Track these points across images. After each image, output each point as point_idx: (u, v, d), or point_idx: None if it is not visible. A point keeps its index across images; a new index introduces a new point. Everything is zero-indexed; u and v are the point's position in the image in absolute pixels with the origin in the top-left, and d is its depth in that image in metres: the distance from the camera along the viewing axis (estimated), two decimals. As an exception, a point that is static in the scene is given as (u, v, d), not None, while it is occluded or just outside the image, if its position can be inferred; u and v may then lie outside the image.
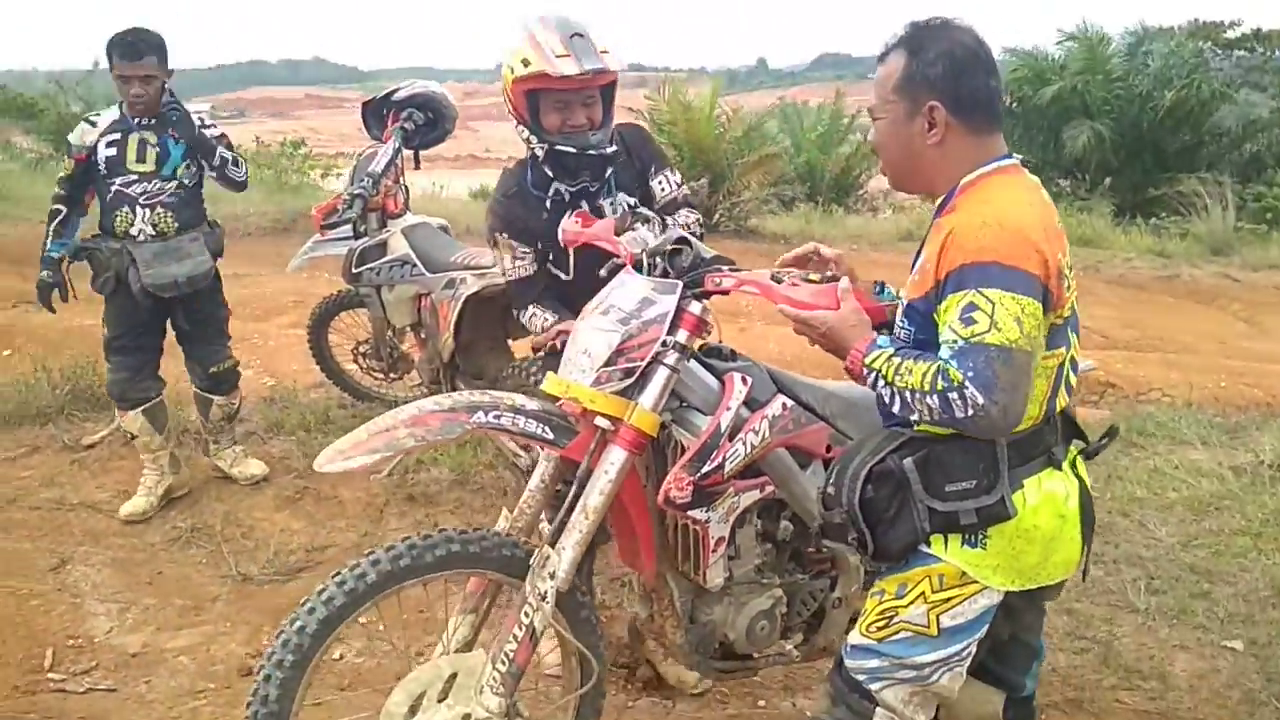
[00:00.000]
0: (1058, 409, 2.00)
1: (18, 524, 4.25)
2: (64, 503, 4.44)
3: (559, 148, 3.01)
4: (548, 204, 3.12)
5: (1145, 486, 4.79)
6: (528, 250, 3.15)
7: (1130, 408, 6.74)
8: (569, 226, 2.77)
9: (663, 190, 3.27)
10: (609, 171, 3.14)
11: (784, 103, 18.69)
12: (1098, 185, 17.12)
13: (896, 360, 1.92)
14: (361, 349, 5.36)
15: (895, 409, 1.93)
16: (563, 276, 3.15)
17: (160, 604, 3.68)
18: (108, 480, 4.66)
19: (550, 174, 3.11)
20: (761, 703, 3.21)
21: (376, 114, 5.01)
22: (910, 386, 1.87)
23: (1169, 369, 8.13)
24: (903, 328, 2.02)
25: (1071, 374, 2.03)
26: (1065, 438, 2.04)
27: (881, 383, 1.94)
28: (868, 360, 1.98)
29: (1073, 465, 2.06)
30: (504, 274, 3.20)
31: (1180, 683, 3.32)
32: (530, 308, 3.10)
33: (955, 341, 1.81)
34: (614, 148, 3.09)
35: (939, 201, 2.01)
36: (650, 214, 2.76)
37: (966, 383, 1.77)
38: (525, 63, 2.93)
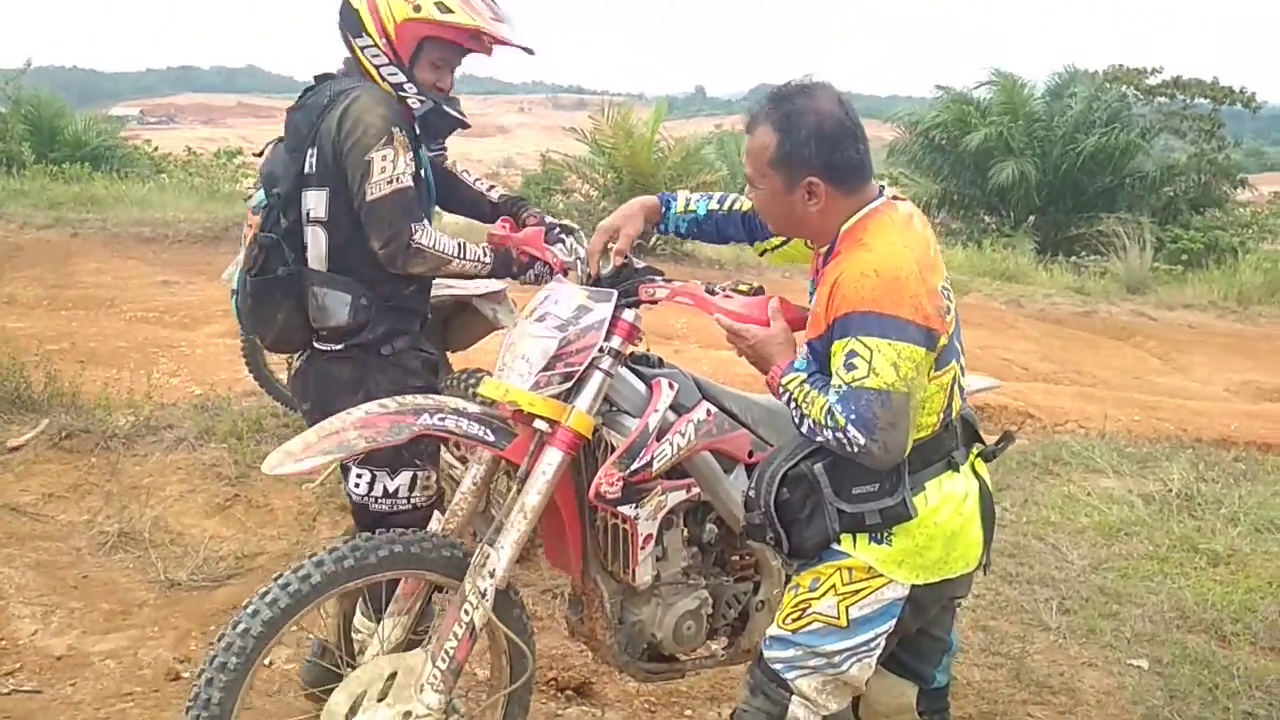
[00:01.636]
0: (954, 415, 2.17)
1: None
2: (-13, 505, 4.37)
3: (446, 109, 2.82)
4: None
5: (1059, 511, 4.98)
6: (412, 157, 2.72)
7: (1047, 437, 6.95)
8: (496, 230, 2.85)
9: (466, 173, 3.27)
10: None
11: (721, 130, 18.94)
12: (1021, 222, 17.66)
13: (806, 388, 2.09)
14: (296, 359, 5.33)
15: (803, 430, 2.10)
16: None
17: (86, 608, 3.64)
18: (33, 483, 4.58)
19: (417, 129, 2.80)
20: (689, 712, 3.29)
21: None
22: (812, 416, 2.05)
23: (1085, 401, 8.41)
24: (807, 363, 2.17)
25: (959, 385, 2.18)
26: (965, 441, 2.22)
27: (792, 404, 2.11)
28: (784, 381, 2.15)
29: (972, 467, 2.23)
30: (394, 180, 2.58)
31: (1089, 698, 3.47)
32: (423, 223, 2.68)
33: (840, 386, 2.00)
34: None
35: (824, 250, 2.17)
36: (573, 226, 2.85)
37: (848, 425, 1.97)
38: (444, 7, 2.62)
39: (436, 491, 2.83)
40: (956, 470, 2.16)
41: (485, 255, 2.76)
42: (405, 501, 2.74)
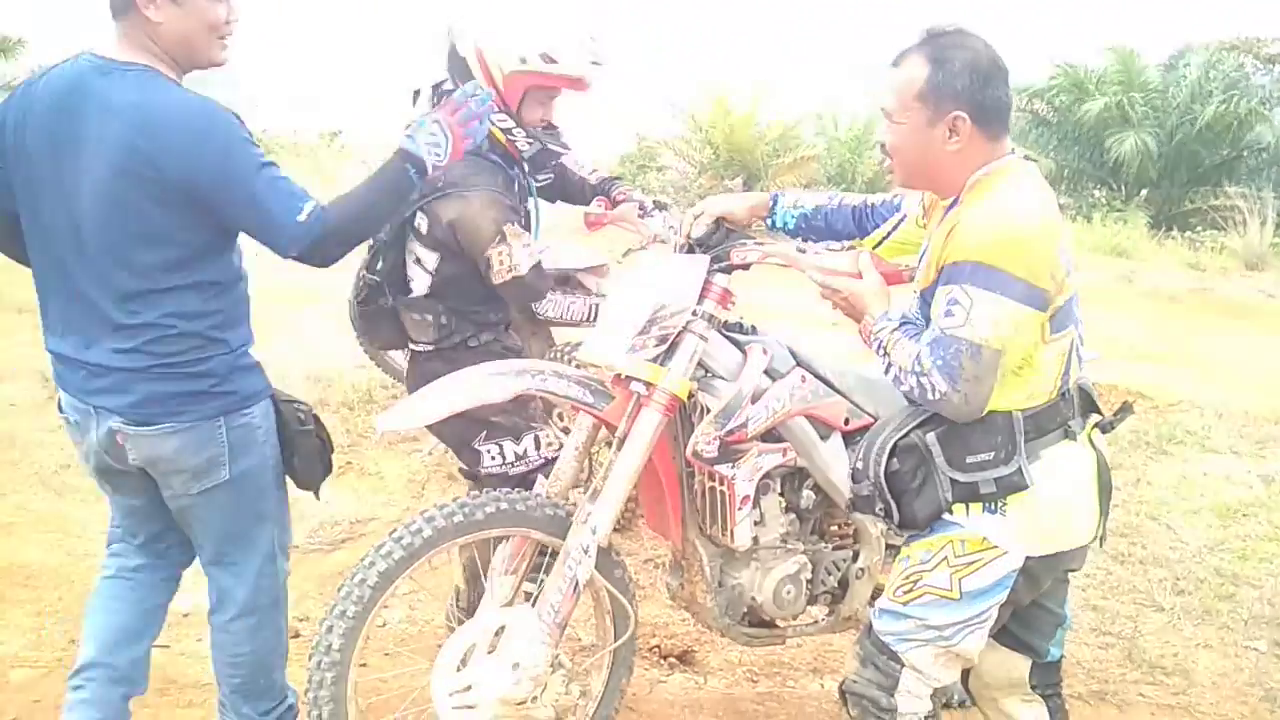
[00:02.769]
0: (1072, 384, 2.12)
1: (72, 488, 4.37)
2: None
3: (551, 146, 2.99)
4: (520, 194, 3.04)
5: (1174, 491, 4.85)
6: (530, 235, 2.95)
7: (1161, 417, 6.76)
8: (592, 209, 2.99)
9: (578, 164, 3.37)
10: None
11: (819, 107, 18.72)
12: (1134, 196, 17.09)
13: (896, 335, 2.10)
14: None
15: (889, 376, 2.11)
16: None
17: (209, 568, 3.80)
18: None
19: (526, 168, 2.99)
20: (791, 683, 3.31)
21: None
22: (899, 363, 2.06)
23: (1200, 381, 8.13)
24: (905, 315, 2.19)
25: (1077, 353, 2.14)
26: (1082, 411, 2.17)
27: (881, 352, 2.12)
28: (875, 329, 2.15)
29: (1089, 438, 2.18)
30: (514, 269, 2.79)
31: (1203, 679, 3.39)
32: (550, 295, 3.08)
33: (934, 331, 1.99)
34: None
35: (947, 203, 2.15)
36: (666, 202, 3.03)
37: (933, 369, 1.97)
38: (548, 59, 2.74)
39: (560, 442, 2.91)
40: (1073, 440, 2.13)
41: None
42: (538, 458, 2.90)
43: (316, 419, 2.51)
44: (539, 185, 3.18)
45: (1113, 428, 2.26)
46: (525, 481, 2.82)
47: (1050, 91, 17.16)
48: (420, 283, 2.95)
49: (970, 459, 2.06)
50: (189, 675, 3.10)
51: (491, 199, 2.80)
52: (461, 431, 2.82)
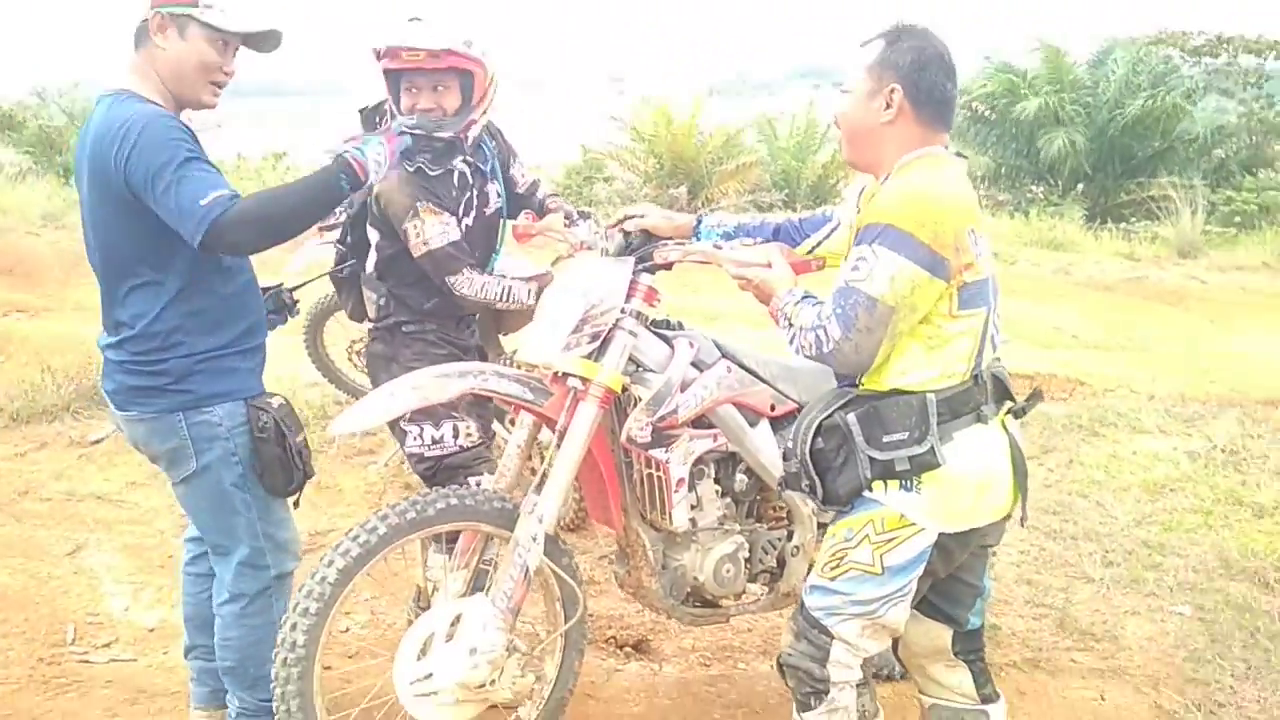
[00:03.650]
0: (985, 369, 2.26)
1: (31, 514, 4.45)
2: (74, 494, 4.65)
3: (406, 129, 3.04)
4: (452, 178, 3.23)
5: (1104, 470, 5.06)
6: (451, 216, 3.16)
7: (1096, 401, 6.99)
8: (521, 222, 3.18)
9: (523, 176, 3.57)
10: (457, 158, 3.24)
11: (761, 116, 18.96)
12: (1070, 191, 17.47)
13: (801, 305, 2.25)
14: (355, 347, 5.57)
15: (792, 345, 2.24)
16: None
17: (173, 584, 3.85)
18: (115, 473, 4.86)
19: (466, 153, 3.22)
20: (741, 665, 3.45)
21: (370, 120, 5.22)
22: (801, 323, 2.20)
23: (1136, 367, 8.40)
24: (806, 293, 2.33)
25: (990, 340, 2.27)
26: (996, 397, 2.31)
27: (785, 321, 2.26)
28: (781, 305, 2.30)
29: (1002, 423, 2.32)
30: (426, 243, 3.07)
31: (1131, 644, 3.57)
32: (465, 272, 3.13)
33: (839, 283, 2.15)
34: (458, 136, 3.17)
35: (882, 182, 2.30)
36: (589, 210, 3.29)
37: (832, 317, 2.12)
38: (386, 50, 3.00)
39: (479, 438, 3.19)
40: (985, 423, 2.25)
41: (528, 298, 3.15)
42: (453, 445, 3.15)
43: (280, 430, 2.59)
44: (505, 196, 3.40)
45: (1025, 413, 2.39)
46: (444, 468, 3.13)
47: (985, 89, 17.54)
48: (370, 260, 3.32)
49: (886, 438, 2.19)
50: (157, 685, 3.18)
51: (408, 177, 3.11)
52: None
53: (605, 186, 14.90)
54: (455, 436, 3.14)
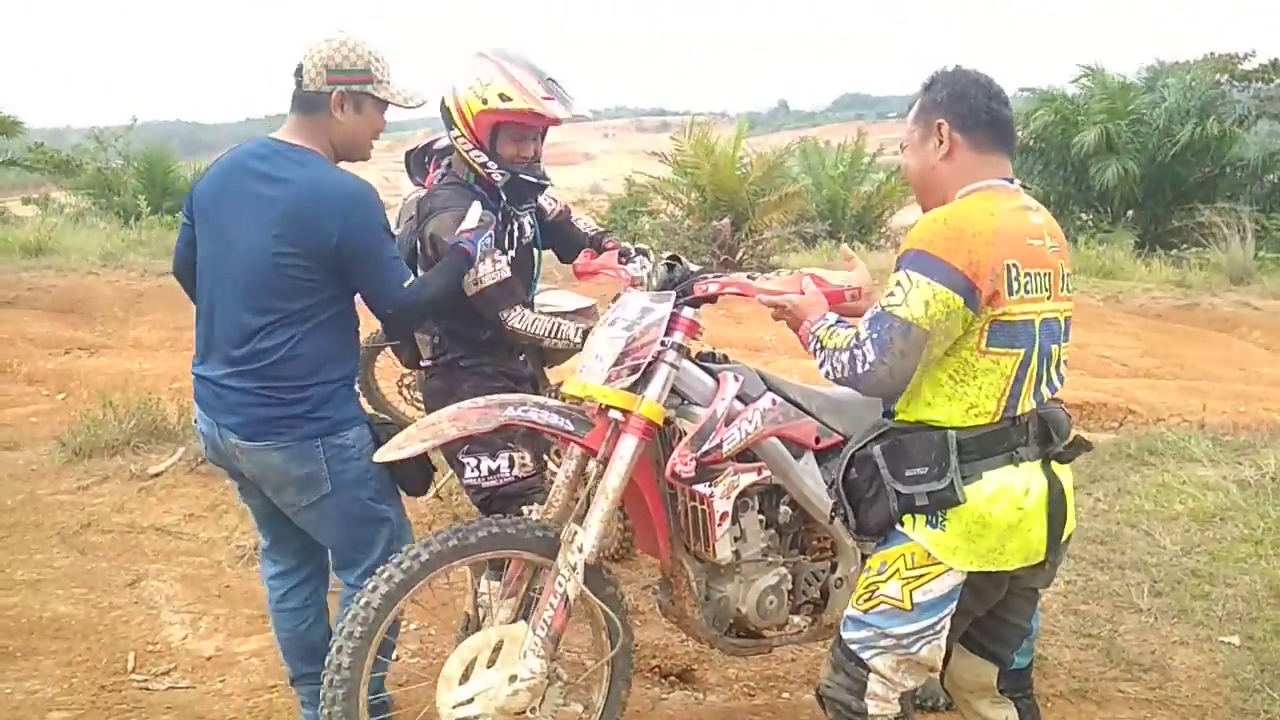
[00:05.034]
0: (1023, 410, 2.22)
1: (93, 545, 4.58)
2: (135, 526, 4.78)
3: (523, 176, 3.26)
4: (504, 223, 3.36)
5: (1153, 500, 5.02)
6: (501, 254, 3.26)
7: (1146, 431, 6.93)
8: (580, 261, 3.29)
9: (551, 204, 3.67)
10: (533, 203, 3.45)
11: (805, 142, 19.02)
12: (1120, 218, 17.33)
13: (834, 329, 2.29)
14: (406, 381, 5.69)
15: (822, 368, 2.27)
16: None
17: (230, 614, 3.98)
18: (174, 505, 4.99)
19: (504, 197, 3.31)
20: (785, 695, 3.47)
21: (419, 161, 5.36)
22: (833, 346, 2.23)
23: (1188, 395, 8.31)
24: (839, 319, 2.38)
25: (1046, 380, 2.25)
26: (1040, 439, 2.26)
27: (816, 345, 2.29)
28: (813, 329, 2.34)
29: (1043, 466, 2.26)
30: (478, 282, 3.12)
31: (1179, 674, 3.55)
32: (518, 309, 3.22)
33: (876, 308, 2.17)
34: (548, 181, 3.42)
35: None
36: (646, 248, 3.34)
37: (867, 340, 2.14)
38: (504, 97, 3.10)
39: (535, 469, 3.27)
40: (1017, 465, 2.21)
41: (575, 336, 3.14)
42: (509, 476, 3.22)
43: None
44: (537, 226, 3.49)
45: (1068, 459, 2.33)
46: (499, 497, 3.18)
47: (1033, 118, 17.47)
48: None
49: (909, 472, 2.21)
50: (215, 712, 3.27)
51: (442, 221, 3.18)
52: (452, 444, 3.06)
53: (650, 220, 15.02)
54: (511, 467, 3.21)
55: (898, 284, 2.14)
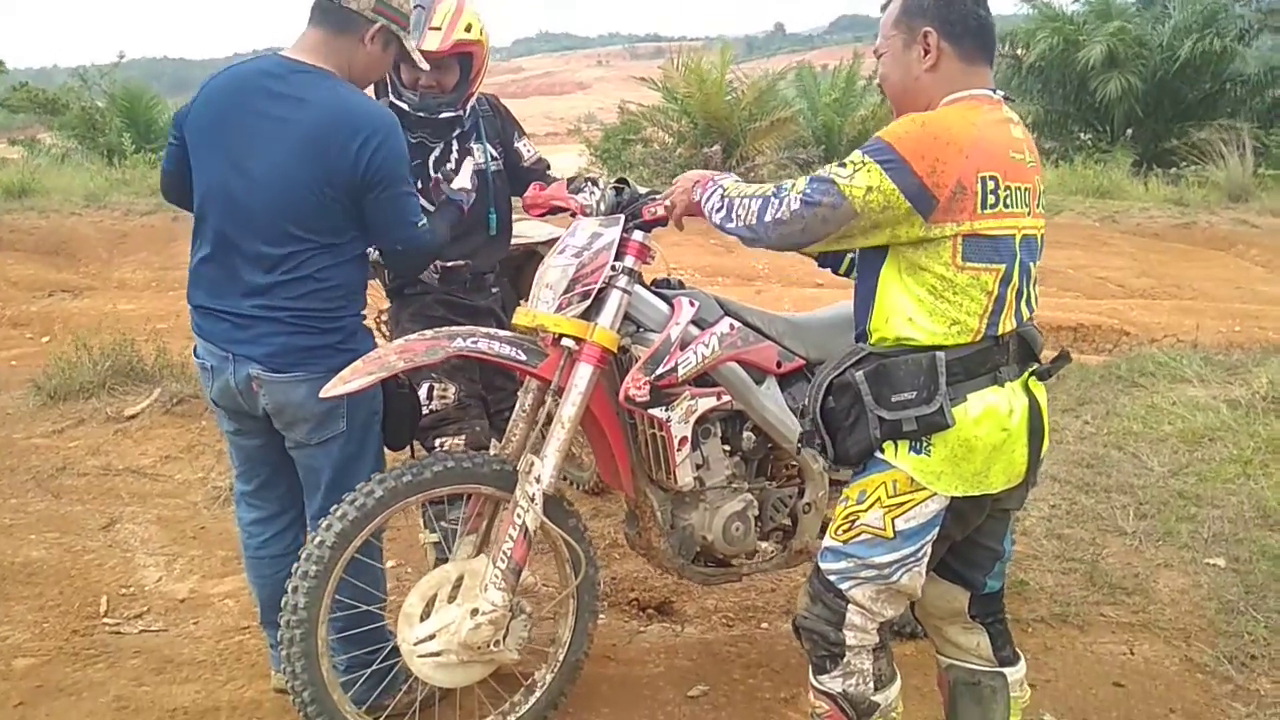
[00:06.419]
0: (1004, 330, 2.15)
1: (68, 489, 4.53)
2: (110, 469, 4.73)
3: (418, 113, 3.17)
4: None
5: (1141, 421, 4.96)
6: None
7: (1137, 351, 6.86)
8: (530, 193, 3.14)
9: (529, 151, 3.55)
10: (455, 133, 3.30)
11: (800, 66, 18.69)
12: (1119, 137, 17.10)
13: (738, 183, 2.24)
14: (382, 316, 5.60)
15: (717, 214, 2.23)
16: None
17: (204, 555, 3.94)
18: (150, 447, 4.94)
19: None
20: (764, 624, 3.44)
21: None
22: (743, 194, 2.18)
23: (1184, 315, 8.23)
24: None
25: (1026, 298, 2.17)
26: (1020, 359, 2.20)
27: (717, 197, 2.24)
28: (718, 178, 2.29)
29: (1025, 385, 2.21)
30: None
31: (1163, 597, 3.51)
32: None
33: (820, 171, 2.09)
34: (459, 112, 3.25)
35: None
36: (593, 176, 3.17)
37: (793, 196, 2.08)
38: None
39: (454, 400, 3.20)
40: (1001, 385, 2.15)
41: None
42: (425, 407, 3.13)
43: (412, 385, 2.81)
44: (492, 160, 3.39)
45: (1050, 375, 2.28)
46: (417, 430, 3.03)
47: (1035, 40, 17.15)
48: None
49: (895, 397, 2.12)
50: (184, 655, 3.23)
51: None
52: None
53: (643, 148, 14.80)
54: (429, 398, 3.16)
55: (852, 161, 2.06)
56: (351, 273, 2.62)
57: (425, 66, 2.89)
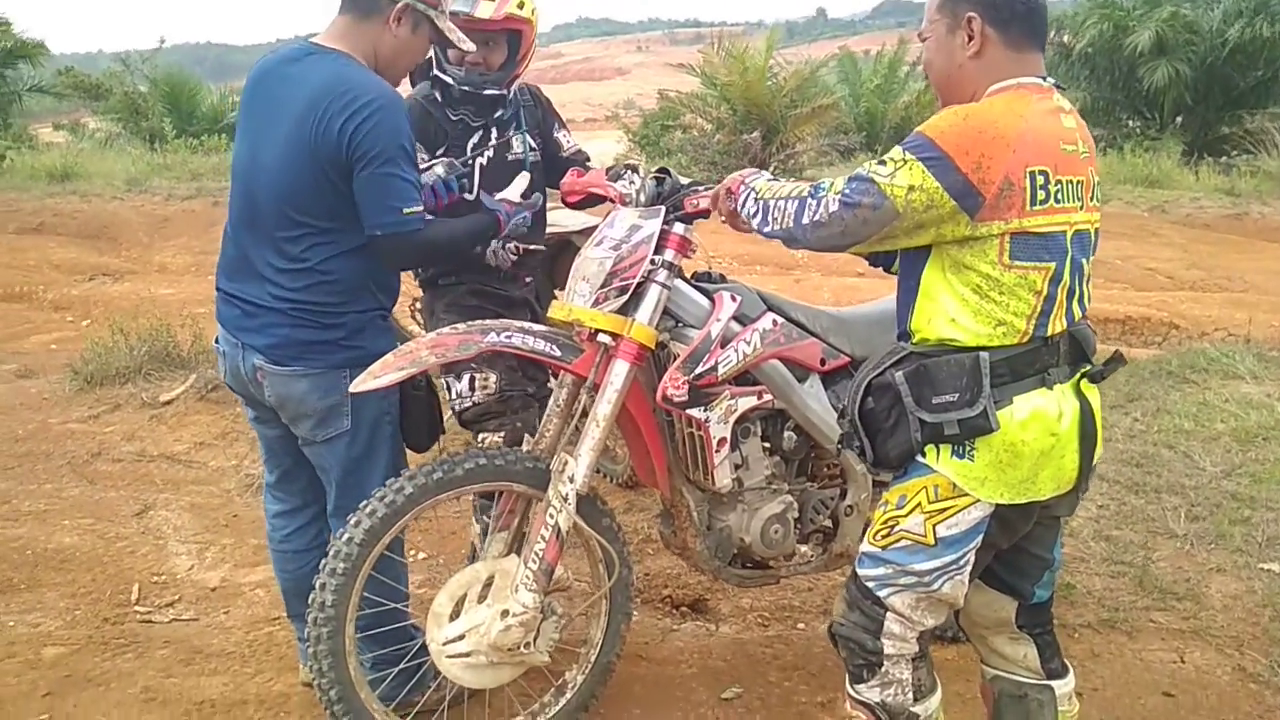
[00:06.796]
0: (1054, 330, 2.05)
1: (103, 475, 4.54)
2: (145, 454, 4.73)
3: (442, 78, 3.11)
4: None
5: (1193, 419, 4.82)
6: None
7: (1187, 346, 6.69)
8: (567, 180, 3.07)
9: (568, 143, 3.45)
10: (497, 114, 3.22)
11: (842, 52, 18.47)
12: (1168, 125, 16.76)
13: (772, 183, 2.15)
14: (417, 305, 5.56)
15: (754, 219, 2.16)
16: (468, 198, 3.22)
17: (237, 544, 3.92)
18: (185, 434, 4.94)
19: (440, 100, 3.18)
20: (800, 625, 3.35)
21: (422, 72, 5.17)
22: (778, 195, 2.10)
23: (1234, 308, 8.03)
24: None
25: (1078, 297, 2.07)
26: (1071, 359, 2.10)
27: (751, 201, 2.17)
28: (748, 179, 2.21)
29: (1076, 387, 2.10)
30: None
31: (1214, 603, 3.39)
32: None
33: (860, 170, 2.00)
34: (504, 92, 3.18)
35: None
36: (633, 163, 3.05)
37: (838, 194, 1.99)
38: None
39: (496, 390, 3.08)
40: (1049, 388, 2.05)
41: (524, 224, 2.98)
42: (469, 399, 3.08)
43: (431, 387, 2.70)
44: (532, 149, 3.31)
45: (1103, 378, 2.17)
46: (461, 422, 3.11)
47: (1085, 27, 16.83)
48: None
49: (936, 399, 2.02)
50: (213, 646, 3.20)
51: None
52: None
53: (682, 134, 14.67)
54: (471, 389, 3.08)
55: (893, 158, 1.96)
56: (355, 266, 2.49)
57: (468, 46, 2.75)
